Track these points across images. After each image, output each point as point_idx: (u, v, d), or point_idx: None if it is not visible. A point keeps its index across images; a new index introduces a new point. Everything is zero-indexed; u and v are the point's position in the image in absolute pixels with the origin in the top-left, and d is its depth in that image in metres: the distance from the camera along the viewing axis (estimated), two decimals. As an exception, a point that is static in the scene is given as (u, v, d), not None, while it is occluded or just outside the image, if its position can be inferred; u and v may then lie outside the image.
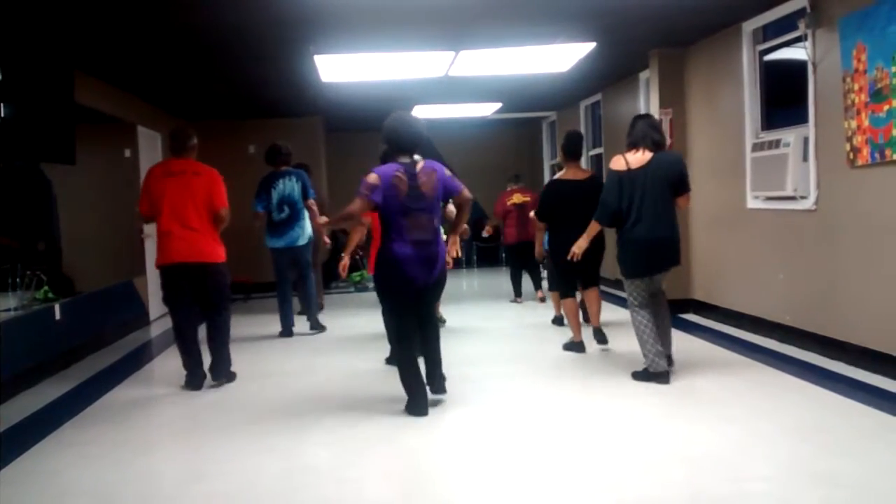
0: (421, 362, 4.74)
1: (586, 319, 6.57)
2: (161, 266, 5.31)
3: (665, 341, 5.18)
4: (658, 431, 4.22)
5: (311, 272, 7.57)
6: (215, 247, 5.33)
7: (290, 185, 7.23)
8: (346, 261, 5.96)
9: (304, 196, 7.26)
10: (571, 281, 6.22)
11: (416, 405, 4.56)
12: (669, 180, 4.98)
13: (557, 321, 7.38)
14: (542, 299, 8.95)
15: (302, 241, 7.33)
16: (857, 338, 5.28)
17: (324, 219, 4.59)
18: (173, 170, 5.34)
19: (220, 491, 3.56)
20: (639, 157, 4.99)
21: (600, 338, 6.15)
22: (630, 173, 4.96)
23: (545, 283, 8.71)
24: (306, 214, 7.32)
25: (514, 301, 9.20)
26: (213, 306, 5.43)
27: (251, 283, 10.36)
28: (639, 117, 5.25)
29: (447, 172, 4.64)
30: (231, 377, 5.59)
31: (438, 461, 3.98)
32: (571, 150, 6.18)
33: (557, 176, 6.41)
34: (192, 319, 5.46)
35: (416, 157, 4.63)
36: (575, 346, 6.17)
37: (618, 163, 5.05)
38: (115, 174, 8.20)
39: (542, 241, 6.85)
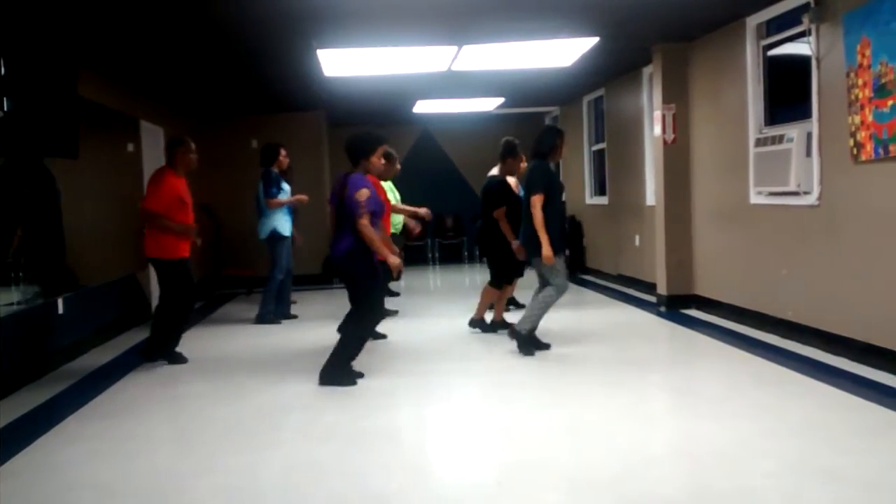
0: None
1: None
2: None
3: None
4: (660, 427, 4.23)
5: (275, 269, 7.86)
6: (156, 243, 5.97)
7: (259, 186, 7.86)
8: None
9: (266, 195, 7.78)
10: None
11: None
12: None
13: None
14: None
15: (262, 236, 7.87)
16: (860, 333, 5.28)
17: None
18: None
19: (225, 485, 3.57)
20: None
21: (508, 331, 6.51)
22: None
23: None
24: (269, 212, 7.76)
25: None
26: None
27: (253, 277, 10.35)
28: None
29: (358, 195, 4.98)
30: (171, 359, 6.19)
31: (439, 455, 4.01)
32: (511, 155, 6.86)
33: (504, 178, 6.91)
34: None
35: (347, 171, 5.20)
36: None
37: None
38: (118, 168, 8.21)
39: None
